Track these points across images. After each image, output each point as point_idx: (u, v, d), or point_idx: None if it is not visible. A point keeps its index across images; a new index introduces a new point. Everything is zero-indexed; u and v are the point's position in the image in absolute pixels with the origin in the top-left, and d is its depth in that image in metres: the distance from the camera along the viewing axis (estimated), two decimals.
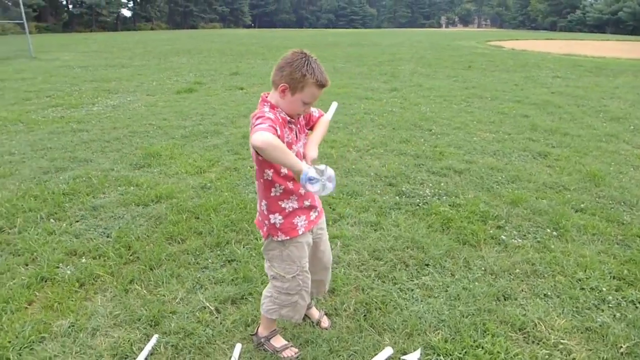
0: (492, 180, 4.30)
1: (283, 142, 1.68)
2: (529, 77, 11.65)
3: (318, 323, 2.32)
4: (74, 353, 2.14)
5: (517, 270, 2.81)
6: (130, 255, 2.98)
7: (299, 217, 1.93)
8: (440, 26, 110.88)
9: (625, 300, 2.51)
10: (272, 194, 1.88)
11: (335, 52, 19.81)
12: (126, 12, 66.53)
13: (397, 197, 3.90)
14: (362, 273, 2.78)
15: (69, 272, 2.76)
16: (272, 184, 1.86)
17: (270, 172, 1.84)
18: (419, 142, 5.54)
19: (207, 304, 2.47)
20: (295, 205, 1.92)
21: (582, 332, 2.28)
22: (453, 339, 2.20)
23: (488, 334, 2.23)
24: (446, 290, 2.60)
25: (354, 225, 3.41)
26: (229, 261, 2.92)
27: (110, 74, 11.75)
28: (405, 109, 7.54)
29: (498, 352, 2.09)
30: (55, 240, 3.17)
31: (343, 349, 2.14)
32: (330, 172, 1.67)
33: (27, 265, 2.87)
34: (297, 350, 2.13)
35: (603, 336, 2.24)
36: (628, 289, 2.62)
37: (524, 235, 3.28)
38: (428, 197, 3.88)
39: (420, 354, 2.08)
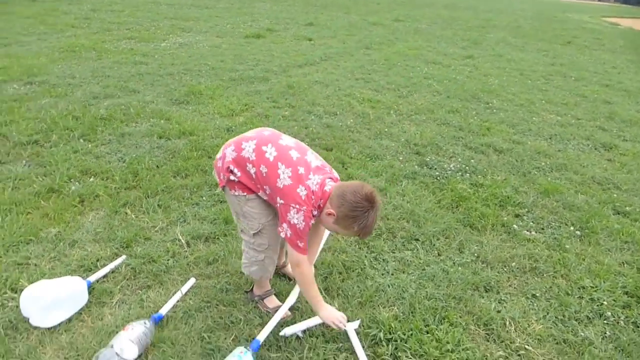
0: (532, 165, 3.87)
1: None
2: (634, 61, 10.17)
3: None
4: (48, 258, 2.31)
5: (514, 264, 2.54)
6: (134, 182, 3.11)
7: None
8: None
9: (626, 320, 2.18)
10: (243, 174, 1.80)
11: (425, 12, 18.66)
12: None
13: (417, 167, 3.66)
14: (343, 237, 2.67)
15: (73, 188, 2.96)
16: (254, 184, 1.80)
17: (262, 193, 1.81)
18: (469, 114, 5.11)
19: (180, 237, 2.53)
20: None
21: (557, 343, 2.02)
22: (405, 318, 2.05)
23: (446, 322, 2.05)
24: (423, 269, 2.42)
25: None
26: (220, 202, 2.95)
27: (191, 13, 12.09)
28: (471, 78, 6.96)
29: (447, 341, 1.93)
30: (77, 158, 3.39)
31: None
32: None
33: (45, 176, 3.12)
34: (290, 314, 2.05)
35: (579, 353, 1.97)
36: (638, 308, 2.27)
37: (542, 229, 2.94)
38: (450, 172, 3.59)
39: (359, 326, 1.97)
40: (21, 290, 1.98)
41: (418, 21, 14.78)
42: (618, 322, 2.16)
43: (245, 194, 1.83)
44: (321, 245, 2.17)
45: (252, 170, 1.76)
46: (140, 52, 6.98)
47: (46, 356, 1.78)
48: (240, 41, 8.55)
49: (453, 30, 13.02)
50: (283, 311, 1.96)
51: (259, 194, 1.82)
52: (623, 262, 2.64)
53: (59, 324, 1.92)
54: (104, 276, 2.21)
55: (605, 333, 2.09)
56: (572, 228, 2.94)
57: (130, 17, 10.30)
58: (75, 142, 3.66)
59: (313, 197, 1.70)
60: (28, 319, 1.92)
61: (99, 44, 7.32)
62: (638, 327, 2.15)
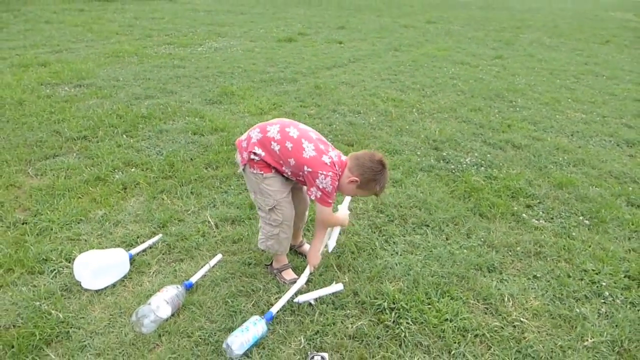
0: (550, 160, 3.95)
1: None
2: None
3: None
4: (96, 235, 2.65)
5: (519, 249, 2.67)
6: (170, 172, 3.44)
7: None
8: None
9: (624, 300, 2.28)
10: (267, 151, 2.05)
11: (458, 14, 18.56)
12: None
13: (434, 161, 3.82)
14: (357, 221, 2.88)
15: (117, 177, 3.31)
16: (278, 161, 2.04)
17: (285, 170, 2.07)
18: (491, 112, 5.21)
19: (210, 219, 2.81)
20: None
21: (552, 318, 2.16)
22: (408, 291, 2.24)
23: (446, 296, 2.23)
24: (430, 251, 2.60)
25: None
26: (247, 190, 3.21)
27: (227, 19, 12.61)
28: (498, 77, 7.00)
29: (446, 312, 2.10)
30: (120, 151, 3.76)
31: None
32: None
33: (92, 167, 3.49)
34: (304, 285, 2.27)
35: (572, 326, 2.11)
36: (638, 290, 2.36)
37: (551, 219, 3.05)
38: (465, 165, 3.73)
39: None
40: (74, 260, 2.30)
41: (451, 23, 14.76)
42: (615, 301, 2.26)
43: (263, 172, 2.07)
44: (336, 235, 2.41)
45: (277, 147, 2.02)
46: (178, 56, 7.43)
47: (95, 312, 2.09)
48: (272, 45, 8.90)
49: (485, 32, 12.94)
50: (297, 287, 2.19)
51: (283, 168, 2.05)
52: (629, 250, 2.72)
53: (105, 288, 2.23)
54: (143, 250, 2.51)
55: (601, 310, 2.20)
56: (581, 217, 3.04)
57: (169, 24, 10.89)
58: (118, 137, 4.04)
59: (336, 165, 2.03)
60: (80, 283, 2.24)
61: (140, 49, 7.83)
62: (635, 306, 2.25)
